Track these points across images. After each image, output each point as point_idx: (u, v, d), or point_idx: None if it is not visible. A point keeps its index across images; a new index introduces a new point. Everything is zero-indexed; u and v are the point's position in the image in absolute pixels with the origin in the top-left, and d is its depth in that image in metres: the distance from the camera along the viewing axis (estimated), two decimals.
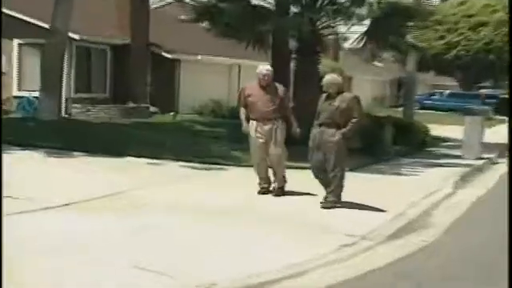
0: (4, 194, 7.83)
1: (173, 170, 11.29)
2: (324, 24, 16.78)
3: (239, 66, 28.06)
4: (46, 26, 18.72)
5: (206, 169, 11.50)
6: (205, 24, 18.47)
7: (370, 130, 15.73)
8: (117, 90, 23.79)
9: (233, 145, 13.12)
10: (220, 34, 17.84)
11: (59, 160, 11.90)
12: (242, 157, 13.02)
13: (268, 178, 9.08)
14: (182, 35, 26.69)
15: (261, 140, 8.82)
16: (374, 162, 13.94)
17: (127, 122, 19.78)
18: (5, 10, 21.62)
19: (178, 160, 12.25)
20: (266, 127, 8.81)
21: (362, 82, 45.85)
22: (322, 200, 8.42)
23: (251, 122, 8.86)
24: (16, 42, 22.12)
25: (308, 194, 9.01)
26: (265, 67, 8.87)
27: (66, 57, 18.62)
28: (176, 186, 9.66)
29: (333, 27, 16.91)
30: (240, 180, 10.48)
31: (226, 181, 10.47)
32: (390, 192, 10.30)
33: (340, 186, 8.41)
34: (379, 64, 51.61)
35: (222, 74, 26.80)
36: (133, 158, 12.44)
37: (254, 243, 6.50)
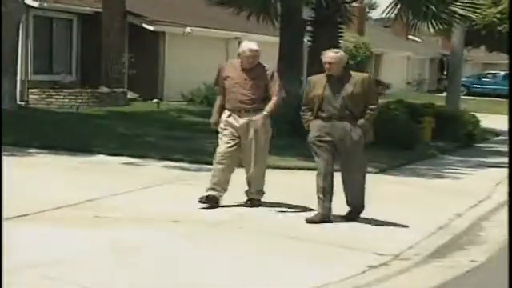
0: None
1: (156, 171, 11.26)
2: None
3: (239, 41, 27.99)
4: None
5: (196, 170, 11.46)
6: None
7: (404, 121, 15.75)
8: (86, 71, 23.78)
9: None
10: (216, 1, 17.83)
11: (11, 159, 11.87)
12: None
13: (226, 185, 8.65)
14: (167, 2, 26.66)
15: (231, 136, 8.54)
16: (408, 162, 13.92)
17: (99, 111, 19.79)
18: None
19: (162, 159, 12.24)
20: (242, 121, 8.53)
21: (395, 60, 45.82)
22: (344, 214, 8.30)
23: (225, 111, 8.64)
24: None
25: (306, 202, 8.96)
26: (250, 44, 8.61)
27: (21, 29, 18.61)
28: (158, 191, 9.62)
29: None
30: (239, 183, 10.45)
31: (236, 184, 10.43)
32: (429, 199, 10.29)
33: (363, 195, 8.28)
34: (416, 39, 51.58)
35: (217, 51, 26.76)
36: (105, 157, 12.42)
37: (263, 264, 6.47)
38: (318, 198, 8.13)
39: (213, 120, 8.74)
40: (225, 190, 8.65)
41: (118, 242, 6.90)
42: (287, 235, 7.51)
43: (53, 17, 22.85)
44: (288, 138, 13.34)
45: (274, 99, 8.56)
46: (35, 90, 21.45)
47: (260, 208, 8.69)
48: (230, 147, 8.53)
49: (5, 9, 17.36)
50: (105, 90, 22.14)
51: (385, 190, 10.86)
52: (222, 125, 8.61)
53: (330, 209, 8.12)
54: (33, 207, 8.06)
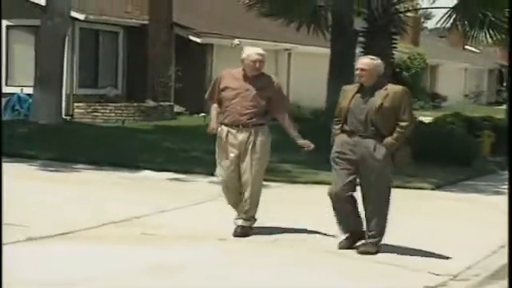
0: None
1: (202, 187, 11.29)
2: None
3: (289, 53, 28.06)
4: (42, 2, 18.99)
5: None
6: (245, 0, 18.51)
7: (461, 135, 15.57)
8: (132, 84, 24.00)
9: (283, 155, 13.05)
10: (265, 13, 17.87)
11: (57, 175, 12.03)
12: (293, 171, 13.01)
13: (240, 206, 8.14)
14: (215, 14, 26.80)
15: (230, 155, 7.90)
16: (466, 178, 13.75)
17: (145, 125, 19.94)
18: None
19: (208, 175, 12.25)
20: (240, 137, 7.87)
21: (451, 72, 45.37)
22: (360, 244, 7.56)
23: (222, 127, 7.95)
24: (3, 23, 22.45)
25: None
26: (256, 50, 7.99)
27: (67, 42, 18.86)
28: (205, 208, 9.63)
29: (412, 1, 16.75)
30: (288, 200, 10.41)
31: (272, 201, 10.42)
32: (488, 216, 10.15)
33: (385, 224, 7.50)
34: (473, 49, 51.04)
35: (266, 64, 26.78)
36: (151, 173, 12.49)
37: (317, 283, 6.43)
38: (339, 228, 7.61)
39: (212, 125, 8.02)
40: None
41: (165, 259, 6.91)
42: (334, 253, 7.47)
43: (99, 29, 23.13)
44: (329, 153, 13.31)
45: (286, 115, 8.03)
46: (80, 104, 21.71)
47: (310, 224, 8.62)
48: (232, 171, 7.95)
49: (51, 22, 17.63)
50: (151, 103, 22.31)
51: (441, 207, 10.75)
52: (219, 144, 7.99)
53: (352, 236, 7.53)
54: (78, 224, 8.13)
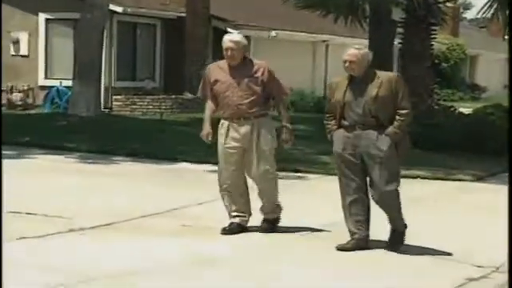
0: (30, 210, 8.17)
1: None
2: None
3: (327, 45, 28.00)
4: None
5: (282, 177, 11.48)
6: None
7: (501, 126, 15.43)
8: (169, 77, 24.10)
9: (320, 146, 13.05)
10: (302, 4, 17.85)
11: (96, 167, 12.14)
12: (332, 162, 12.98)
13: (247, 208, 7.75)
14: (252, 6, 26.81)
15: (233, 150, 7.48)
16: (507, 169, 13.60)
17: (182, 117, 20.03)
18: None
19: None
20: (243, 130, 7.45)
21: (491, 62, 44.94)
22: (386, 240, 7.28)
23: (222, 122, 7.56)
24: (42, 16, 22.71)
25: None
26: (230, 36, 7.59)
27: (105, 35, 19.00)
28: None
29: None
30: (328, 193, 10.43)
31: (309, 193, 10.43)
32: None
33: (401, 213, 7.25)
34: None
35: (304, 55, 26.79)
36: (189, 165, 12.56)
37: (356, 278, 6.44)
38: (348, 228, 7.26)
39: (204, 131, 7.56)
40: (249, 214, 7.80)
41: (208, 251, 6.96)
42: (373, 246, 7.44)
43: (137, 22, 23.24)
44: None
45: (278, 103, 7.64)
46: (119, 96, 21.85)
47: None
48: (235, 170, 7.56)
49: (90, 15, 17.76)
50: (189, 96, 22.40)
51: (480, 199, 10.68)
52: (221, 139, 7.52)
53: (366, 237, 7.23)
54: (118, 216, 8.21)
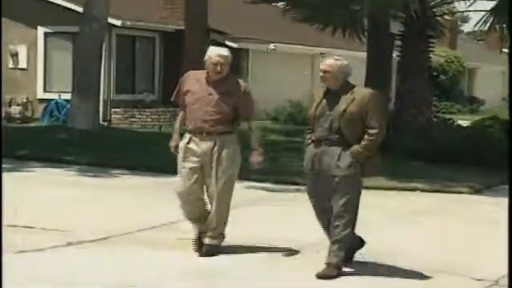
0: (28, 223, 8.18)
1: (240, 192, 11.23)
2: (438, 0, 16.56)
3: (323, 57, 28.01)
4: (79, 9, 19.17)
5: (282, 190, 11.48)
6: (280, 5, 18.54)
7: (499, 139, 15.43)
8: (168, 89, 23.99)
9: None
10: (300, 17, 17.87)
11: (95, 180, 12.12)
12: None
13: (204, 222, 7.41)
14: (250, 19, 26.86)
15: (192, 164, 7.17)
16: (505, 182, 13.59)
17: (181, 130, 19.98)
18: None
19: (246, 179, 12.26)
20: (204, 145, 7.16)
21: (490, 75, 44.99)
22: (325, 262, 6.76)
23: (185, 134, 7.30)
24: (41, 30, 22.75)
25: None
26: (218, 50, 7.25)
27: (104, 48, 19.01)
28: (243, 213, 9.64)
29: (449, 3, 16.67)
30: None
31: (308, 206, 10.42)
32: None
33: (346, 242, 6.74)
34: None
35: (302, 68, 26.82)
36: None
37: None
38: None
39: (173, 143, 7.34)
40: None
41: (203, 265, 6.94)
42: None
43: (135, 35, 23.28)
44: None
45: (246, 122, 7.35)
46: (118, 109, 21.86)
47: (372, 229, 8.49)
48: (194, 183, 7.21)
49: (88, 29, 17.78)
50: None
51: (479, 211, 10.66)
52: (180, 153, 7.23)
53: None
54: (117, 229, 8.18)
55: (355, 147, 6.58)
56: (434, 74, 32.86)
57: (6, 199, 9.78)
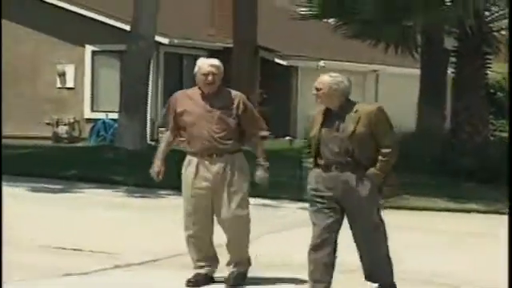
0: (76, 246, 8.26)
1: (292, 213, 11.28)
2: (495, 15, 16.38)
3: (377, 75, 27.89)
4: (127, 28, 19.35)
5: (304, 208, 11.42)
6: (331, 21, 18.50)
7: None
8: None
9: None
10: (351, 33, 17.80)
11: (143, 201, 12.18)
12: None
13: (213, 256, 7.09)
14: (300, 35, 26.86)
15: (203, 192, 6.81)
16: None
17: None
18: (74, 9, 22.59)
19: (297, 201, 12.22)
20: (215, 168, 6.78)
21: None
22: None
23: (188, 158, 6.95)
24: (89, 48, 23.01)
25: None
26: (208, 61, 6.94)
27: (151, 67, 19.15)
28: (298, 234, 9.59)
29: (506, 18, 16.46)
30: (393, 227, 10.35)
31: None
32: None
33: (390, 268, 6.50)
34: None
35: (354, 86, 26.64)
36: None
37: None
38: (309, 282, 6.46)
39: (155, 168, 6.98)
40: (217, 262, 7.12)
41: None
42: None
43: (183, 53, 23.42)
44: (432, 176, 13.12)
45: (256, 140, 7.01)
46: (165, 128, 21.95)
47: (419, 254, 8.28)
48: (204, 214, 6.89)
49: (136, 47, 17.93)
50: None
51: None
52: (187, 180, 6.88)
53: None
54: (165, 252, 8.20)
55: (371, 170, 6.27)
56: (491, 91, 32.48)
57: (54, 221, 9.91)
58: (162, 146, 7.09)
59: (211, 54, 23.93)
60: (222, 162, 6.77)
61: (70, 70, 23.01)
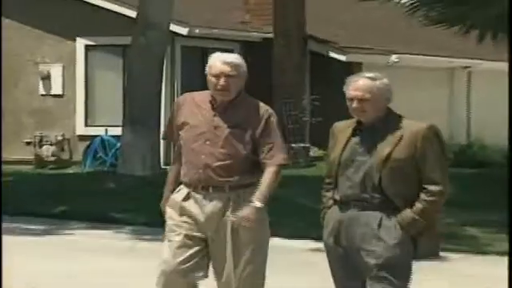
0: None
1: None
2: None
3: (469, 72, 27.74)
4: (133, 14, 19.44)
5: None
6: (405, 2, 18.45)
7: None
8: None
9: (464, 215, 12.87)
10: (434, 19, 17.73)
11: (155, 246, 12.11)
12: (482, 237, 12.81)
13: None
14: (363, 23, 26.83)
15: (187, 233, 6.43)
16: None
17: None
18: None
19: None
20: (210, 207, 6.37)
21: None
22: None
23: (179, 189, 6.58)
24: (81, 42, 23.11)
25: None
26: (223, 56, 6.56)
27: (165, 65, 19.20)
28: None
29: None
30: (474, 278, 10.25)
31: (451, 278, 10.28)
32: None
33: None
34: None
35: (437, 87, 26.58)
36: (285, 241, 12.49)
37: None
38: None
39: (164, 200, 6.69)
40: None
41: None
42: None
43: (207, 47, 23.41)
44: None
45: (272, 168, 6.48)
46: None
47: None
48: (188, 262, 6.41)
49: (144, 39, 17.95)
50: None
51: None
52: (171, 214, 6.51)
53: None
54: None
55: (407, 213, 5.84)
56: None
57: (39, 271, 9.92)
58: (172, 170, 6.79)
59: (245, 47, 24.00)
60: (222, 199, 6.38)
61: (56, 72, 23.09)
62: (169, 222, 6.50)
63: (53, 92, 23.24)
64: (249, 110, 6.52)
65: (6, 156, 21.36)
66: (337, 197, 6.02)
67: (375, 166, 5.86)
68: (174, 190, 6.59)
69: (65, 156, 22.89)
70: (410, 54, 25.54)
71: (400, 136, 5.90)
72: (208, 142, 6.40)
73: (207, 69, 6.57)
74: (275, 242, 12.40)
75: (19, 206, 14.51)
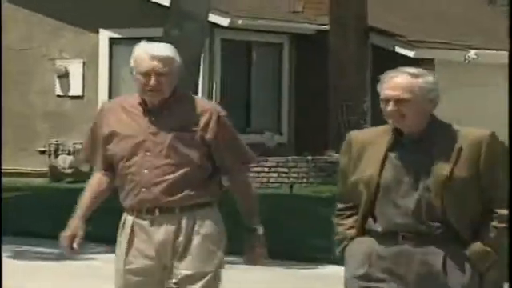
0: None
1: None
2: None
3: None
4: (165, 2, 19.44)
5: None
6: None
7: None
8: (303, 126, 24.09)
9: None
10: None
11: None
12: None
13: None
14: (434, 13, 26.72)
15: (139, 278, 6.25)
16: None
17: (326, 191, 19.86)
18: None
19: None
20: (160, 235, 6.17)
21: None
22: None
23: (123, 218, 6.32)
24: (105, 34, 23.18)
25: None
26: (150, 49, 6.18)
27: (202, 61, 19.18)
28: None
29: None
30: None
31: None
32: None
33: None
34: None
35: None
36: (339, 268, 12.34)
37: None
38: None
39: (67, 232, 6.35)
40: None
41: None
42: None
43: (251, 40, 23.43)
44: None
45: (241, 177, 6.45)
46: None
47: None
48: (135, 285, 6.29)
49: (179, 31, 17.94)
50: (335, 156, 22.31)
51: None
52: (118, 252, 6.33)
53: None
54: None
55: (478, 247, 5.53)
56: None
57: None
58: (85, 196, 6.48)
59: (296, 40, 23.99)
60: (173, 223, 6.15)
61: (75, 69, 23.16)
62: (119, 260, 6.28)
63: (71, 93, 23.36)
64: (191, 108, 6.28)
65: (16, 167, 21.43)
66: (378, 228, 5.60)
67: (434, 189, 5.49)
68: (87, 212, 6.46)
69: (84, 168, 22.88)
70: (490, 49, 25.39)
71: (459, 149, 5.51)
72: (149, 153, 6.13)
73: (132, 63, 6.21)
74: (330, 269, 12.42)
75: (30, 226, 14.51)
